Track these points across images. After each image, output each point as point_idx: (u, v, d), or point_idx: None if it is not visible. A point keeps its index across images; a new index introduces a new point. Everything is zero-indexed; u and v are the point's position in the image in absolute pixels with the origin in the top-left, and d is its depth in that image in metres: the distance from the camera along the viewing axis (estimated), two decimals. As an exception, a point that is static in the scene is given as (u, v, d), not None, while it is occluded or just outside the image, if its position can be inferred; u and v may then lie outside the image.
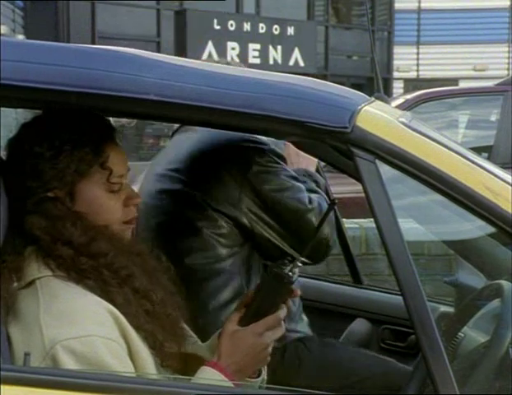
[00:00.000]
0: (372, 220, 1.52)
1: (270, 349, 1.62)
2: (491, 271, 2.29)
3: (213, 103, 1.50)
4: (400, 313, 2.67)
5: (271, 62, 19.05)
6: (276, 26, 19.16)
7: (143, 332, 1.55)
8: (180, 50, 17.42)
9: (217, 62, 2.39)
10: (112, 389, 1.42)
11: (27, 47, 1.55)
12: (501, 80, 6.97)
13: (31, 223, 1.55)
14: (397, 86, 21.66)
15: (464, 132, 7.40)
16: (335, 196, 2.83)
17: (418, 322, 1.47)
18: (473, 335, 2.11)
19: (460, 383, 1.50)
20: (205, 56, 17.74)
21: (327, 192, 2.79)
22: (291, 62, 19.43)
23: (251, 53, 18.93)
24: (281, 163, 2.31)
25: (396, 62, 21.78)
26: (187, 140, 2.37)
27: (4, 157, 1.63)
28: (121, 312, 1.52)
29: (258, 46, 19.01)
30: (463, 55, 21.61)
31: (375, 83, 1.99)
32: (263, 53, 19.08)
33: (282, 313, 1.62)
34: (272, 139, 2.38)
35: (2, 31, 14.37)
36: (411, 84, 20.89)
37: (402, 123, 1.62)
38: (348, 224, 4.09)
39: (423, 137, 1.60)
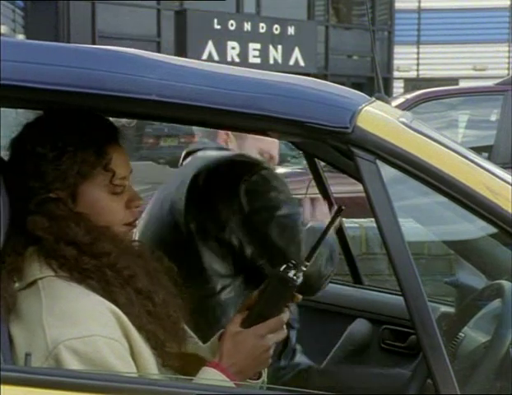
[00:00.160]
0: (372, 219, 1.52)
1: (271, 351, 1.63)
2: (491, 271, 2.29)
3: (215, 103, 1.50)
4: (400, 313, 2.67)
5: (271, 61, 19.06)
6: (276, 26, 19.17)
7: (145, 332, 1.54)
8: (180, 50, 17.42)
9: None
10: (113, 389, 1.41)
11: (27, 47, 1.55)
12: (501, 79, 6.96)
13: (34, 223, 1.55)
14: (398, 86, 21.67)
15: (464, 132, 7.39)
16: (335, 196, 2.84)
17: (419, 322, 1.46)
18: (474, 335, 2.12)
19: (461, 383, 1.50)
20: (205, 56, 17.76)
21: (327, 192, 2.80)
22: (292, 62, 19.43)
23: (251, 53, 18.94)
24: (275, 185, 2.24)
25: (396, 62, 21.80)
26: (189, 166, 2.37)
27: (6, 157, 1.63)
28: (123, 312, 1.52)
29: (258, 46, 19.02)
30: (463, 55, 21.61)
31: (376, 83, 1.99)
32: (264, 53, 19.09)
33: (285, 316, 1.63)
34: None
35: (2, 31, 14.37)
36: (412, 83, 20.90)
37: (403, 124, 1.62)
38: (348, 223, 4.09)
39: (424, 137, 1.60)
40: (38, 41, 1.54)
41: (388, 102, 1.89)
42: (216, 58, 18.08)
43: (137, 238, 1.86)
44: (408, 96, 6.76)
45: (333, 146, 1.71)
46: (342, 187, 3.50)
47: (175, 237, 2.26)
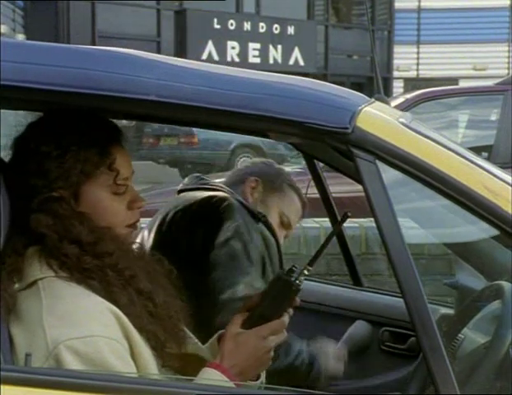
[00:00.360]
0: (372, 219, 1.52)
1: (272, 353, 1.63)
2: (490, 272, 2.29)
3: (212, 103, 1.50)
4: (400, 315, 2.67)
5: (271, 61, 19.08)
6: (276, 26, 19.19)
7: (146, 332, 1.54)
8: (180, 50, 17.46)
9: None
10: (113, 389, 1.41)
11: (27, 48, 1.55)
12: (501, 79, 6.96)
13: (38, 221, 1.54)
14: (397, 86, 21.69)
15: (464, 132, 7.38)
16: (334, 196, 2.83)
17: (419, 323, 1.46)
18: (474, 336, 2.12)
19: (461, 383, 1.50)
20: (205, 55, 17.78)
21: (326, 193, 2.80)
22: (291, 62, 19.46)
23: (251, 53, 18.96)
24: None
25: (396, 62, 21.83)
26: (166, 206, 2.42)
27: (6, 157, 1.63)
28: (124, 313, 1.51)
29: (258, 45, 19.04)
30: (463, 54, 21.64)
31: (375, 83, 1.99)
32: (263, 53, 19.11)
33: (286, 319, 1.64)
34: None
35: (2, 31, 14.38)
36: (411, 83, 20.92)
37: (403, 124, 1.62)
38: (348, 223, 4.08)
39: (423, 138, 1.60)
40: (37, 42, 1.54)
41: (387, 103, 1.89)
42: (215, 57, 18.11)
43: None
44: (408, 96, 6.75)
45: (333, 147, 1.71)
46: (342, 187, 3.49)
47: None
